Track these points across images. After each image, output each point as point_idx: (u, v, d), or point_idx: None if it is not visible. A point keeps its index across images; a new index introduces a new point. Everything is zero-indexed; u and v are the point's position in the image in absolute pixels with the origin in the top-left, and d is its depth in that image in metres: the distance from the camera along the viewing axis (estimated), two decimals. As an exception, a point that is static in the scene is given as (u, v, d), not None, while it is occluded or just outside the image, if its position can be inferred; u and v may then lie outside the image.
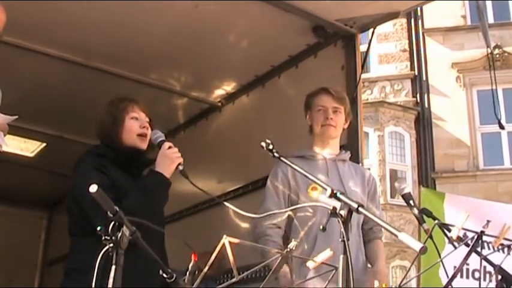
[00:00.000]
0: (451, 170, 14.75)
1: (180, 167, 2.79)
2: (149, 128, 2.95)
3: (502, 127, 4.32)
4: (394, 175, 14.65)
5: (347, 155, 3.57)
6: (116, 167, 2.84)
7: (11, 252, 8.40)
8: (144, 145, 2.92)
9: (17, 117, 2.79)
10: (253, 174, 4.87)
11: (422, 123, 15.24)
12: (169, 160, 2.78)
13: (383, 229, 3.45)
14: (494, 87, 4.07)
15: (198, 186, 2.75)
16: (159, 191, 2.76)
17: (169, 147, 2.81)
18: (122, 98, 3.04)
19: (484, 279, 2.22)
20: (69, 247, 2.86)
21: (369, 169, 3.79)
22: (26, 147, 6.88)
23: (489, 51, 4.98)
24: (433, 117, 15.28)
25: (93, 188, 1.76)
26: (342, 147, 3.62)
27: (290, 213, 3.24)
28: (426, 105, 15.41)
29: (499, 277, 2.21)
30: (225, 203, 2.65)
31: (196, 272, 1.97)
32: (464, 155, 14.85)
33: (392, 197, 14.30)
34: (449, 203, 5.00)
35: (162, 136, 2.90)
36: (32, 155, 7.00)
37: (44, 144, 6.78)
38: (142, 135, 2.91)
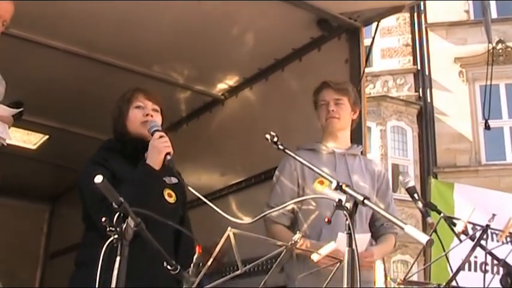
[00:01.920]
0: (453, 165, 14.74)
1: (168, 157, 2.71)
2: (153, 116, 2.90)
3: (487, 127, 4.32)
4: (396, 170, 14.64)
5: (358, 149, 3.53)
6: (123, 159, 2.82)
7: (13, 245, 8.42)
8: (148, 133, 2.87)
9: (22, 110, 2.79)
10: (256, 167, 4.87)
11: (425, 117, 15.22)
12: (156, 150, 2.71)
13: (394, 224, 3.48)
14: (493, 82, 4.03)
15: (187, 183, 2.67)
16: (146, 182, 2.69)
17: (160, 137, 2.74)
18: (129, 89, 3.02)
19: (492, 272, 2.21)
20: (75, 239, 2.86)
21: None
22: (29, 140, 6.88)
23: (490, 46, 4.94)
24: (435, 111, 15.26)
25: (98, 179, 1.75)
26: (352, 141, 3.60)
27: (294, 206, 3.25)
28: (428, 100, 15.39)
29: (504, 271, 2.20)
30: (210, 204, 2.57)
31: (201, 264, 1.96)
32: (466, 150, 14.83)
33: (394, 191, 14.27)
34: (458, 193, 4.96)
35: (157, 126, 2.82)
36: (34, 147, 7.00)
37: (47, 137, 6.78)
38: (146, 123, 2.86)
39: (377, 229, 3.43)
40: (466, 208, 2.34)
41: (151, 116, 2.90)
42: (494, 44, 13.08)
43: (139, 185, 2.65)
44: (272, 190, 3.40)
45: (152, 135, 2.78)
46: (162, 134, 2.77)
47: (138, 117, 2.89)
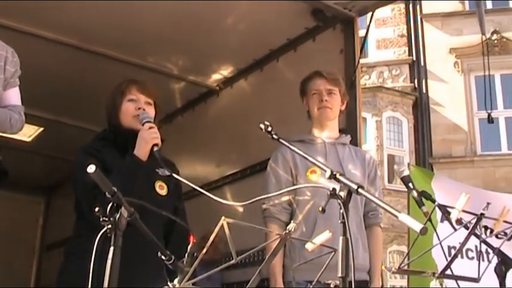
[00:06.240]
0: (448, 156, 14.75)
1: (155, 148, 2.72)
2: (146, 109, 2.89)
3: (491, 121, 4.30)
4: (391, 160, 14.66)
5: (347, 138, 3.56)
6: (115, 149, 2.83)
7: (9, 236, 8.41)
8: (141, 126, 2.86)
9: None
10: (252, 158, 4.87)
11: (420, 108, 15.20)
12: (144, 141, 2.73)
13: (381, 214, 3.50)
14: (488, 73, 4.01)
15: (172, 173, 2.66)
16: (132, 172, 2.70)
17: (150, 128, 2.76)
18: (124, 81, 3.01)
19: (478, 259, 2.20)
20: (71, 231, 2.86)
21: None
22: (23, 132, 6.80)
23: (484, 38, 4.93)
24: (431, 102, 15.24)
25: (91, 169, 1.74)
26: (341, 131, 3.62)
27: (289, 197, 3.24)
28: (424, 91, 15.36)
29: (499, 259, 2.20)
30: (208, 194, 2.56)
31: (195, 254, 1.95)
32: (461, 141, 14.84)
33: (389, 181, 14.32)
34: (436, 184, 4.94)
35: (148, 117, 2.83)
36: (29, 139, 6.98)
37: (42, 129, 6.76)
38: (138, 116, 2.86)
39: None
40: (442, 200, 2.34)
41: (144, 109, 2.90)
42: (489, 35, 13.09)
43: (126, 175, 2.65)
44: (267, 182, 3.39)
45: (143, 126, 2.80)
46: (152, 125, 2.78)
47: (130, 110, 2.89)
